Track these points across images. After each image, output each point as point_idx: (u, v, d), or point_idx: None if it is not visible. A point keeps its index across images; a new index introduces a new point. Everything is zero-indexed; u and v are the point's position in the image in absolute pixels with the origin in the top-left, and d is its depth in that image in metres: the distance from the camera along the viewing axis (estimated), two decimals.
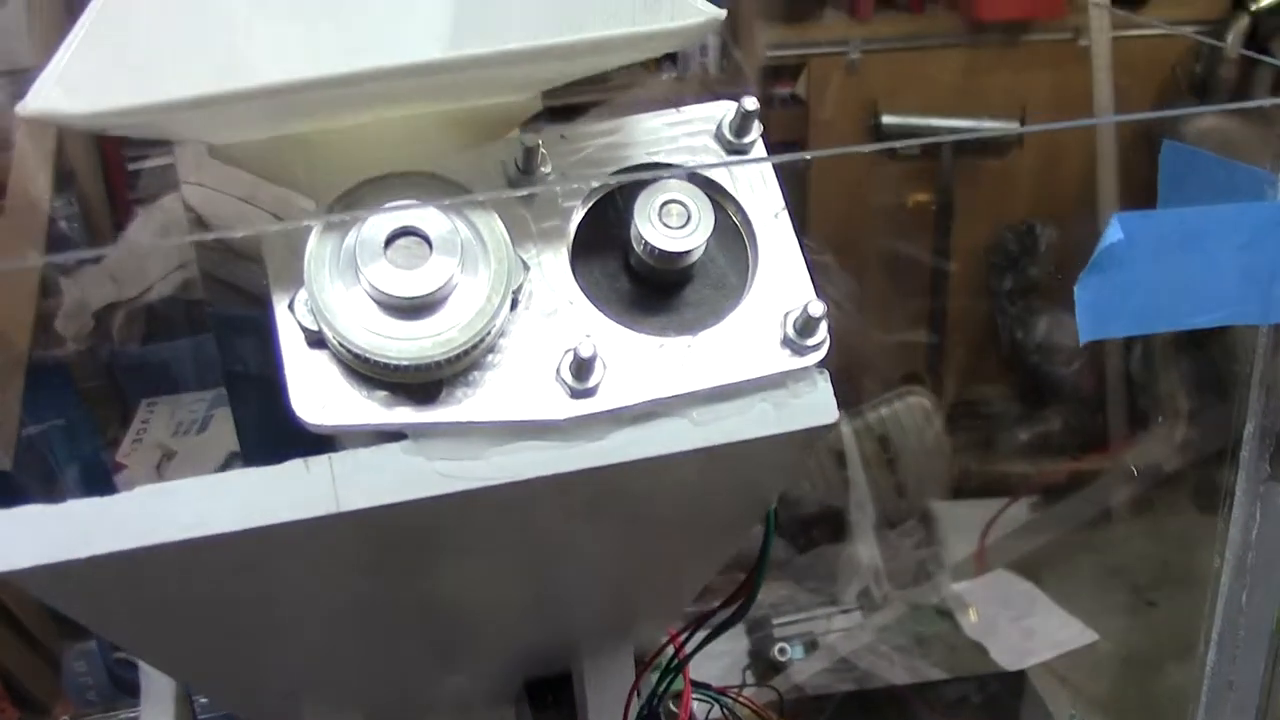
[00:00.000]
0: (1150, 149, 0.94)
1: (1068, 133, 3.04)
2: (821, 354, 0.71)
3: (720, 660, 2.42)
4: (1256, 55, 2.86)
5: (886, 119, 2.98)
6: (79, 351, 2.13)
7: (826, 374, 0.72)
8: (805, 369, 0.71)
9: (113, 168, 2.53)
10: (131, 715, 2.00)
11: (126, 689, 2.18)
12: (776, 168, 0.75)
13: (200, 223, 1.12)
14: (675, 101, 0.76)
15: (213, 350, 1.17)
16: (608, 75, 0.73)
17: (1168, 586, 2.69)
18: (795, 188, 2.77)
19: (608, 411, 0.68)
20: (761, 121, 0.75)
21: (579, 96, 2.32)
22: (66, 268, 2.12)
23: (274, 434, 0.68)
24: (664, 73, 2.83)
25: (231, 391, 1.19)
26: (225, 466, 0.78)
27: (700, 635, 1.12)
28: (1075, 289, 0.76)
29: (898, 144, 2.89)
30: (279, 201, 0.98)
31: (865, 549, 2.76)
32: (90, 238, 2.44)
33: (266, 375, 0.68)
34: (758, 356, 0.71)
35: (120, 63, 0.60)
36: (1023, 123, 2.92)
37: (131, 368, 2.16)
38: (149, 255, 2.06)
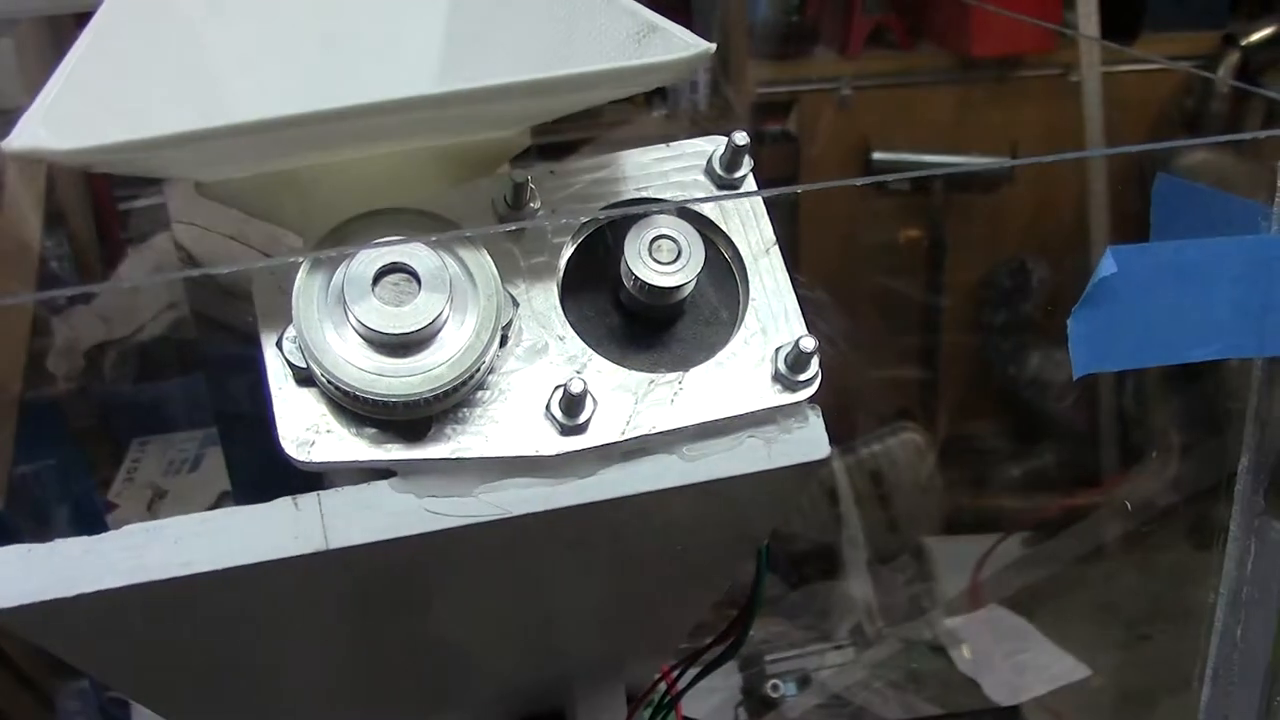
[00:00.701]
0: (1142, 184, 0.94)
1: (1059, 169, 3.04)
2: (813, 389, 0.71)
3: (713, 697, 2.42)
4: (1247, 87, 2.87)
5: (878, 155, 2.99)
6: (70, 391, 2.13)
7: (818, 409, 0.72)
8: (797, 404, 0.71)
9: (103, 207, 2.53)
10: None
11: None
12: (768, 203, 0.75)
13: (191, 261, 1.12)
14: (666, 140, 0.76)
15: (204, 389, 1.17)
16: (597, 112, 0.73)
17: (1161, 621, 2.68)
18: (787, 224, 2.77)
19: (598, 448, 0.68)
20: (752, 156, 0.75)
21: (569, 134, 2.32)
22: (58, 307, 2.12)
23: (266, 472, 0.67)
24: (654, 110, 2.83)
25: (223, 430, 1.19)
26: (217, 505, 0.78)
27: (693, 672, 1.11)
28: (1069, 323, 0.76)
29: (887, 178, 2.90)
30: (268, 239, 0.98)
31: (858, 585, 2.76)
32: (81, 277, 2.44)
33: (258, 414, 0.68)
34: (749, 392, 0.70)
35: (105, 100, 0.60)
36: (1014, 157, 2.93)
37: (123, 407, 2.16)
38: (140, 295, 2.06)
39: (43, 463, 2.13)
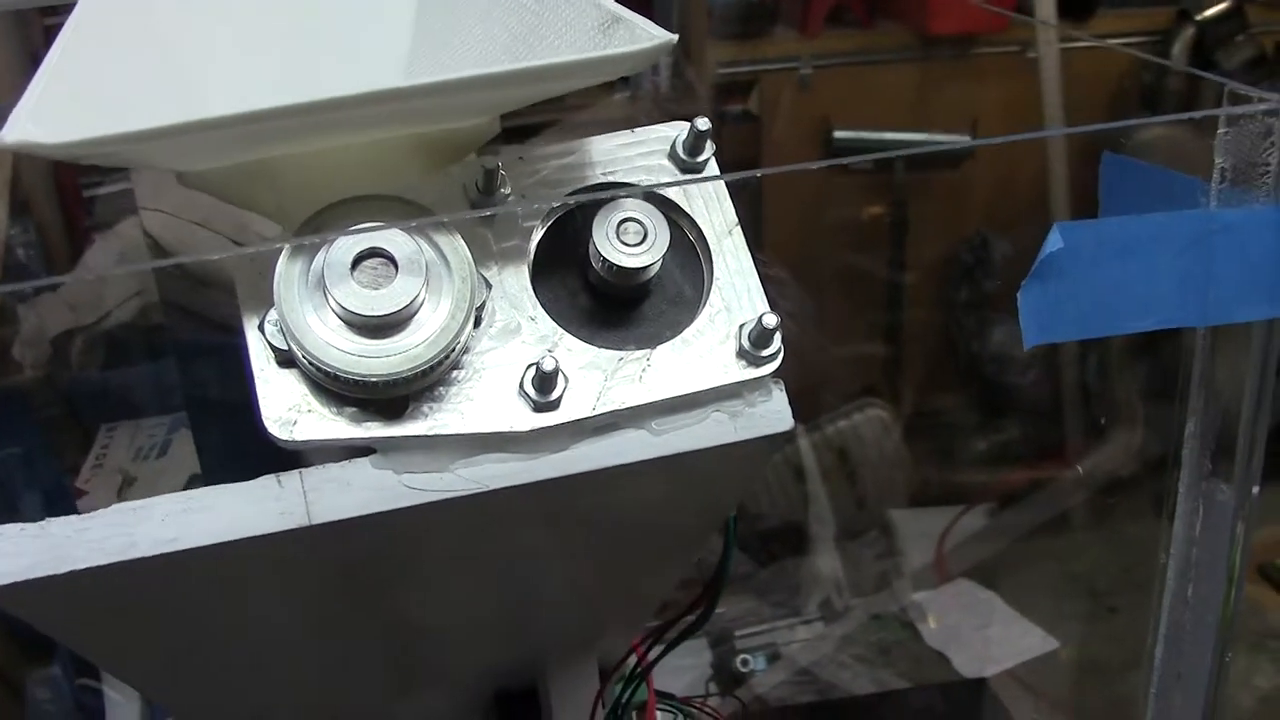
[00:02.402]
0: (1098, 159, 0.96)
1: (1019, 145, 3.06)
2: (776, 364, 0.73)
3: (684, 675, 2.43)
4: (1197, 72, 2.89)
5: (839, 134, 3.00)
6: (37, 379, 2.13)
7: (781, 383, 0.74)
8: (761, 379, 0.73)
9: (69, 195, 2.52)
10: None
11: (92, 716, 2.17)
12: (731, 185, 0.77)
13: (158, 248, 1.12)
14: (629, 121, 0.78)
15: (171, 375, 1.18)
16: (561, 96, 0.75)
17: (1128, 592, 2.70)
18: (751, 204, 2.78)
19: (570, 423, 0.70)
20: (714, 140, 0.77)
21: (534, 117, 2.32)
22: (24, 295, 2.11)
23: (236, 456, 0.69)
24: (617, 93, 2.84)
25: (193, 416, 1.20)
26: (186, 489, 0.79)
27: (663, 644, 1.13)
28: (1019, 295, 0.78)
29: (846, 160, 2.91)
30: (236, 227, 1.00)
31: (826, 561, 2.77)
32: (48, 265, 2.43)
33: (227, 399, 0.70)
34: (714, 368, 0.72)
35: (90, 95, 0.62)
36: (974, 135, 2.94)
37: (90, 394, 2.15)
38: (106, 282, 2.06)
39: (10, 450, 2.13)
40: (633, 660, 1.15)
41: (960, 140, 2.93)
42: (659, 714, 1.20)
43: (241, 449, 0.69)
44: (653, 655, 1.14)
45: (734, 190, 0.77)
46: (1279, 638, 2.59)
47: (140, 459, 1.75)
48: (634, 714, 1.19)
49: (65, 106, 0.61)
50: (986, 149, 3.01)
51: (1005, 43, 3.08)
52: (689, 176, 0.76)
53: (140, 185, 1.15)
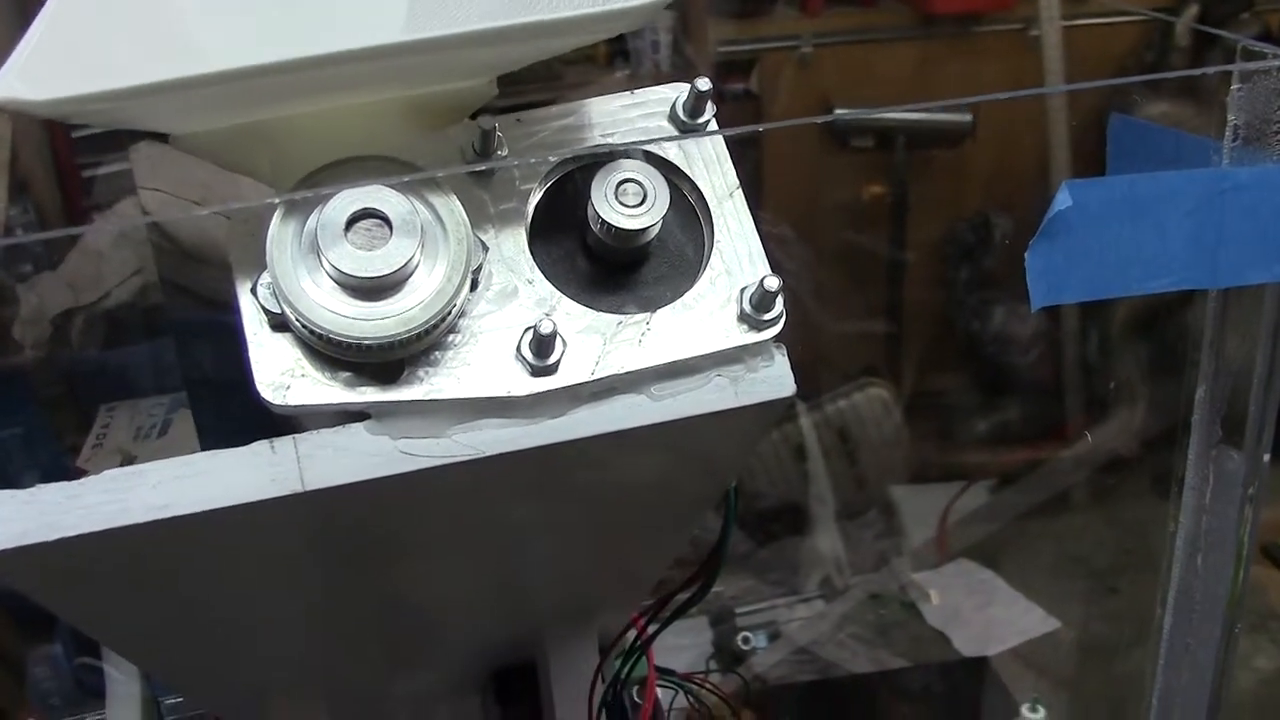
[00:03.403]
0: (1102, 139, 0.95)
1: (1020, 124, 3.05)
2: (778, 328, 0.72)
3: (685, 652, 2.43)
4: (1207, 29, 2.88)
5: (839, 112, 2.99)
6: (37, 359, 2.12)
7: (783, 348, 0.73)
8: (762, 343, 0.72)
9: (68, 175, 2.52)
10: (97, 719, 2.00)
11: (91, 693, 2.17)
12: (732, 151, 0.76)
13: (157, 226, 1.12)
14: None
15: (171, 354, 1.17)
16: (561, 74, 0.74)
17: (1129, 573, 2.70)
18: (751, 184, 2.78)
19: (568, 388, 0.69)
20: (715, 103, 0.76)
21: (532, 96, 2.32)
22: (24, 275, 2.11)
23: (235, 435, 0.68)
24: (617, 70, 2.83)
25: (192, 395, 1.19)
26: None
27: (663, 619, 1.12)
28: (1026, 256, 0.77)
29: (846, 115, 2.91)
30: (234, 201, 0.99)
31: (826, 540, 2.77)
32: (47, 245, 2.43)
33: (226, 378, 0.69)
34: (715, 332, 0.71)
35: (80, 52, 0.61)
36: (975, 113, 2.93)
37: (90, 374, 2.15)
38: (106, 261, 2.06)
39: (11, 431, 2.13)
40: (632, 635, 1.14)
41: (961, 116, 2.93)
42: (659, 690, 1.19)
43: (241, 428, 0.68)
44: (652, 630, 1.13)
45: (734, 155, 0.76)
46: (1279, 618, 2.59)
47: (141, 438, 1.74)
48: (634, 689, 1.19)
49: (54, 64, 0.60)
50: (988, 128, 3.01)
51: (1007, 21, 3.07)
52: (689, 134, 0.75)
53: (138, 164, 1.15)
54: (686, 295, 0.72)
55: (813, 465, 2.82)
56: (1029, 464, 2.99)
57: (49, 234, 2.43)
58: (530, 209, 0.73)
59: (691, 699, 1.26)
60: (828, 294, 3.04)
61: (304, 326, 0.65)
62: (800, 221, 3.04)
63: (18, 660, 2.26)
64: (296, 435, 0.68)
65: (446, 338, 0.69)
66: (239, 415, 0.68)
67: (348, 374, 0.67)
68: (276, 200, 0.66)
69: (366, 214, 0.65)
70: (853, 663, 2.56)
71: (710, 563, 1.03)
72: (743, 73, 3.07)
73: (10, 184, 2.29)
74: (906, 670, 2.56)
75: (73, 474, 0.67)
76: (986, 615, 2.68)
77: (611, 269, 0.73)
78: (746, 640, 2.54)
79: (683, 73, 2.84)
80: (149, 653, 0.96)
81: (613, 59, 2.85)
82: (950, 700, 2.54)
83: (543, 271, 0.71)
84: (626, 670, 1.15)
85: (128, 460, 1.68)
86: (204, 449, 0.92)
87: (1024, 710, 2.27)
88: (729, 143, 0.76)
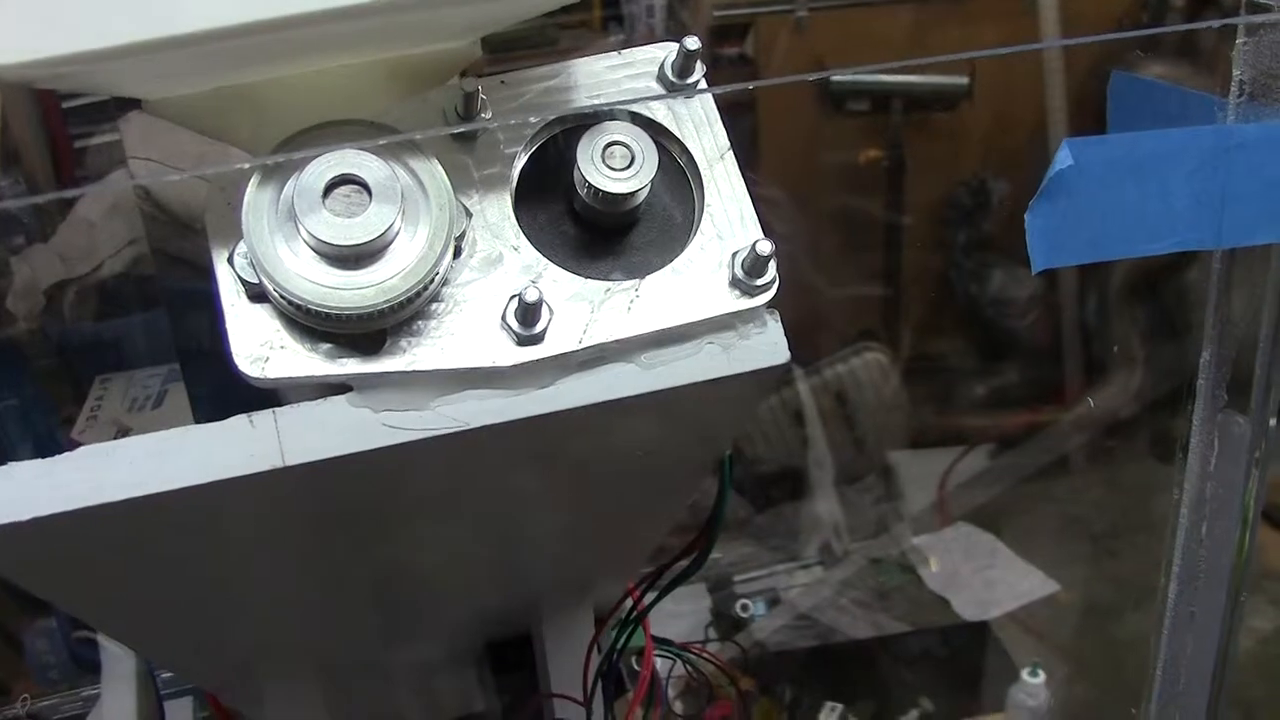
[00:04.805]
0: (1100, 101, 0.94)
1: (1017, 86, 3.04)
2: (771, 294, 0.70)
3: (683, 620, 2.43)
4: None
5: (836, 77, 2.98)
6: (31, 331, 2.12)
7: (776, 314, 0.71)
8: (755, 309, 0.70)
9: (59, 146, 2.51)
10: (93, 693, 1.99)
11: (88, 667, 2.17)
12: (723, 113, 0.74)
13: (148, 197, 1.11)
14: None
15: (165, 325, 1.16)
16: (553, 39, 0.72)
17: (1128, 535, 2.71)
18: (747, 148, 2.76)
19: (555, 357, 0.68)
20: (705, 63, 0.74)
21: (523, 63, 2.31)
22: (16, 247, 2.10)
23: (230, 406, 0.67)
24: (610, 35, 2.82)
25: (185, 366, 1.18)
26: None
27: (659, 589, 1.11)
28: (1026, 216, 0.75)
29: (836, 74, 2.89)
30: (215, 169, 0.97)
31: (825, 505, 2.77)
32: (39, 216, 2.42)
33: (219, 348, 0.67)
34: (706, 298, 0.70)
35: (50, 15, 0.59)
36: (972, 75, 2.92)
37: (84, 345, 2.14)
38: (99, 232, 2.05)
39: (5, 403, 2.12)
40: (628, 605, 1.13)
41: (958, 80, 2.92)
42: (657, 660, 1.18)
43: (235, 399, 0.67)
44: (649, 600, 1.12)
45: (729, 130, 0.74)
46: (1278, 579, 2.59)
47: (135, 410, 1.74)
48: (632, 659, 1.18)
49: (21, 26, 0.58)
50: (985, 91, 2.99)
51: None
52: (677, 93, 0.73)
53: (129, 134, 1.13)
54: (676, 261, 0.71)
55: (811, 430, 2.82)
56: (1028, 427, 2.99)
57: (33, 199, 2.42)
58: (515, 173, 0.71)
59: (690, 668, 1.25)
60: (825, 258, 3.04)
61: (282, 297, 0.64)
62: (797, 186, 3.03)
63: (15, 634, 2.26)
64: (276, 409, 0.66)
65: (429, 307, 0.67)
66: (232, 385, 0.67)
67: (328, 345, 0.66)
68: (247, 165, 0.64)
69: (345, 180, 0.63)
70: (853, 628, 2.56)
71: (706, 532, 1.02)
72: (738, 37, 3.05)
73: (1, 155, 2.28)
74: (907, 635, 2.56)
75: (67, 445, 0.66)
76: (986, 578, 2.69)
77: (599, 234, 0.71)
78: (745, 607, 2.54)
79: (677, 37, 2.83)
80: (136, 632, 0.95)
81: (607, 24, 2.84)
82: (951, 665, 2.54)
83: (528, 237, 0.70)
84: (623, 641, 1.14)
85: (123, 432, 1.67)
86: (197, 419, 0.91)
87: (1024, 674, 2.27)
88: (721, 107, 0.74)
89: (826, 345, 2.92)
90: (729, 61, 3.04)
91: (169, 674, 1.34)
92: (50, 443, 2.06)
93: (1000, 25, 3.03)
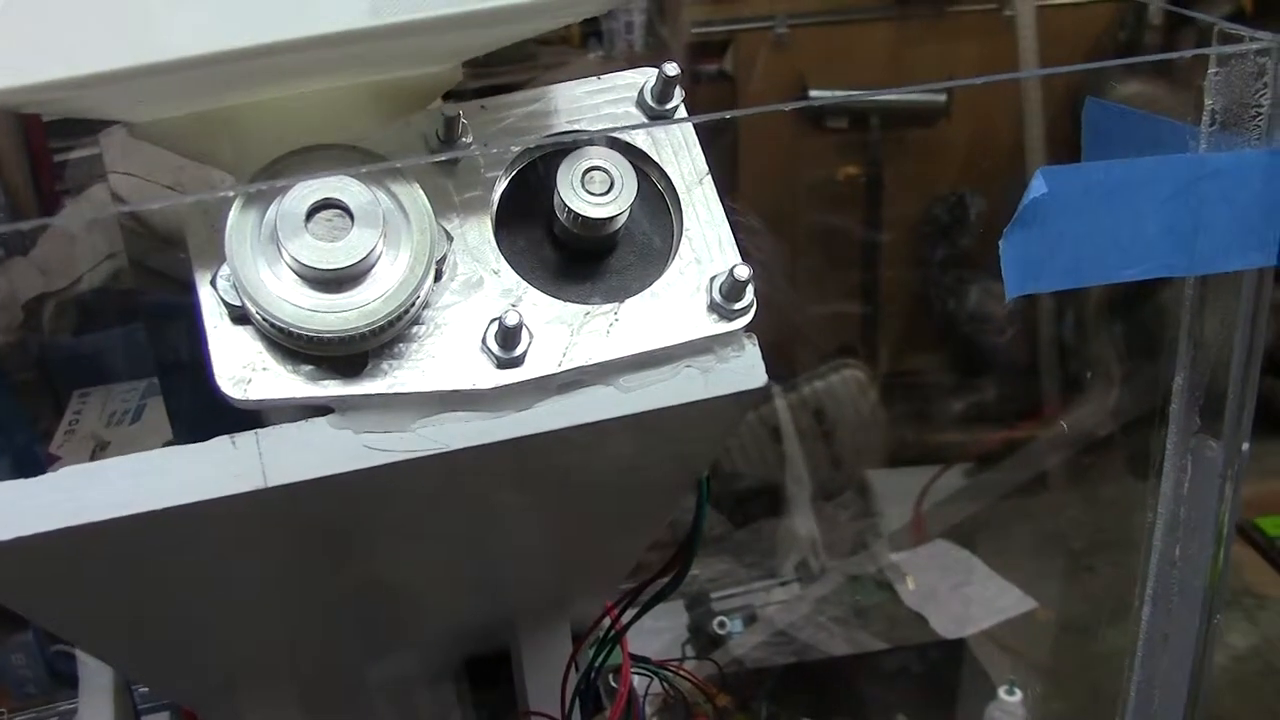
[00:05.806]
0: (1077, 118, 0.94)
1: (995, 103, 3.05)
2: (748, 318, 0.71)
3: (660, 636, 2.43)
4: (1180, 10, 2.88)
5: (815, 93, 2.99)
6: (9, 344, 2.12)
7: (754, 338, 0.72)
8: (733, 333, 0.71)
9: (39, 159, 2.51)
10: (70, 707, 1.99)
11: (65, 681, 2.17)
12: (704, 139, 0.75)
13: (128, 212, 1.11)
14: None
15: (144, 339, 1.16)
16: (533, 55, 0.73)
17: (1105, 552, 2.71)
18: (726, 166, 2.76)
19: (535, 380, 0.68)
20: (684, 89, 0.74)
21: (504, 78, 2.31)
22: None
23: (208, 421, 0.67)
24: (590, 52, 2.82)
25: (164, 380, 1.18)
26: None
27: (637, 607, 1.12)
28: (1001, 244, 0.76)
29: (819, 100, 2.90)
30: (205, 187, 0.98)
31: (802, 521, 2.77)
32: (19, 230, 2.42)
33: (198, 363, 0.68)
34: (684, 322, 0.70)
35: (34, 39, 0.59)
36: (950, 92, 2.93)
37: (63, 359, 2.14)
38: (78, 246, 2.05)
39: None
40: (606, 623, 1.14)
41: (935, 96, 2.93)
42: (634, 677, 1.19)
43: (213, 414, 0.67)
44: (626, 618, 1.12)
45: (708, 149, 0.75)
46: (1253, 595, 2.60)
47: (114, 424, 1.73)
48: (609, 677, 1.18)
49: (9, 51, 0.59)
50: (962, 107, 3.00)
51: (983, 1, 3.07)
52: (658, 121, 0.74)
53: (109, 149, 1.14)
54: (655, 285, 0.71)
55: (789, 446, 2.82)
56: (1005, 444, 2.99)
57: (16, 225, 2.42)
58: (495, 197, 0.72)
59: (667, 685, 1.26)
60: (803, 275, 3.04)
61: (265, 319, 0.64)
62: (775, 202, 3.04)
63: None
64: (259, 430, 0.67)
65: (410, 330, 0.68)
66: (211, 401, 0.67)
67: (310, 367, 0.66)
68: (231, 193, 0.64)
69: (327, 204, 0.64)
70: (830, 645, 2.56)
71: (684, 551, 1.02)
72: (717, 53, 3.05)
73: None
74: (884, 652, 2.56)
75: (45, 459, 0.67)
76: (963, 595, 2.69)
77: (579, 258, 0.72)
78: (722, 625, 2.54)
79: (657, 53, 2.84)
80: (114, 649, 0.96)
81: (586, 40, 2.85)
82: (928, 682, 2.54)
83: (508, 261, 0.70)
84: (601, 658, 1.14)
85: (101, 446, 1.67)
86: (176, 435, 0.91)
87: (1001, 692, 2.27)
88: (700, 127, 0.75)
89: (805, 362, 2.92)
90: (708, 78, 3.04)
91: (146, 689, 1.34)
92: (28, 456, 2.07)
93: (979, 42, 3.04)
